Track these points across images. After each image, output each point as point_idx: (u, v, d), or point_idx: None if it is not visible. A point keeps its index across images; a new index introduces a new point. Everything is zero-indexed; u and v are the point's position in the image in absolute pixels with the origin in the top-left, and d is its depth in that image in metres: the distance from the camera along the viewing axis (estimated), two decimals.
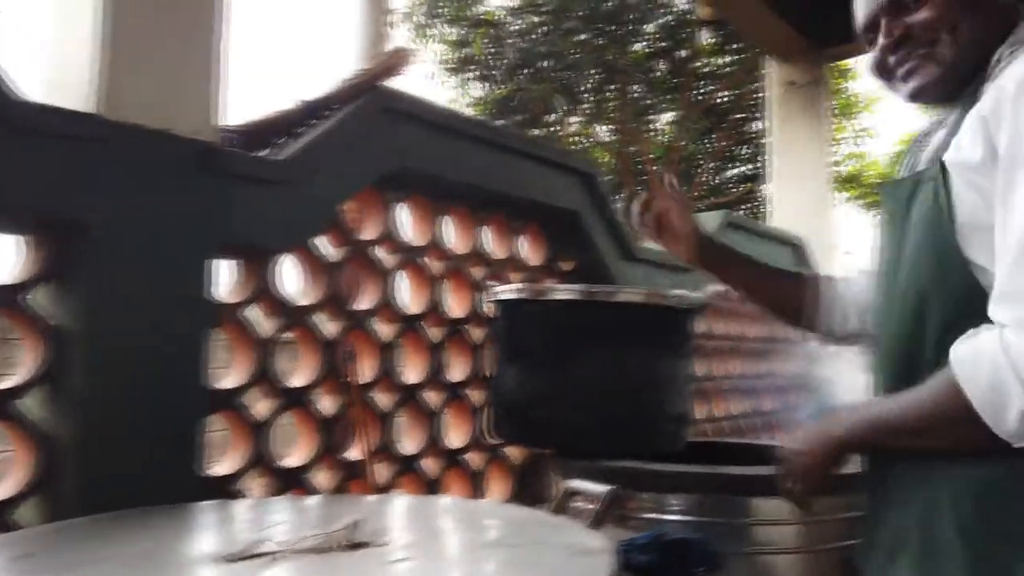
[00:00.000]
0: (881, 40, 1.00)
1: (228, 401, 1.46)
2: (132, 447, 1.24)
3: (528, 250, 2.20)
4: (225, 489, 1.42)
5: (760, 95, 6.27)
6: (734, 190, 10.69)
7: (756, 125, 9.82)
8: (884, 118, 14.46)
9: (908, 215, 0.95)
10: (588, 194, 2.24)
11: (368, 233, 1.76)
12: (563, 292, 1.67)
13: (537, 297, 1.69)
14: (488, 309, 1.96)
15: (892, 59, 1.00)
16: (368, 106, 1.68)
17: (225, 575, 0.81)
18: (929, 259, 0.91)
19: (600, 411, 1.62)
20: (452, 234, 1.98)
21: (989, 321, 0.84)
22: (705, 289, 1.66)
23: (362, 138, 1.66)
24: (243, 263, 1.52)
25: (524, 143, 2.14)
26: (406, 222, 1.87)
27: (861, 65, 10.57)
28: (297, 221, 1.55)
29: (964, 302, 0.87)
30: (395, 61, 1.73)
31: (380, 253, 1.78)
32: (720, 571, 1.13)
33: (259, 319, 1.55)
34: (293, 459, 1.58)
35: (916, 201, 0.94)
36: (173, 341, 1.31)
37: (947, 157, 0.90)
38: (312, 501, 1.35)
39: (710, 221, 2.97)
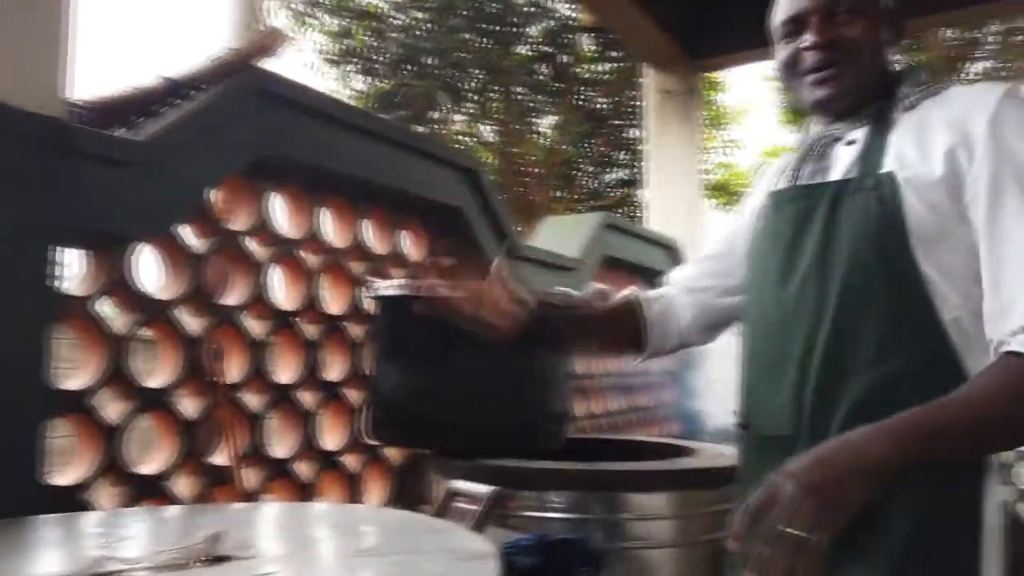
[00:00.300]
0: (808, 37, 1.02)
1: (76, 403, 1.33)
2: None
3: (410, 245, 2.14)
4: (71, 500, 1.29)
5: (638, 103, 6.47)
6: (613, 193, 10.98)
7: (634, 132, 10.13)
8: (750, 131, 15.41)
9: (833, 221, 0.97)
10: (471, 190, 2.21)
11: (238, 223, 1.65)
12: None
13: (419, 293, 1.64)
14: (368, 305, 1.90)
15: (811, 59, 1.03)
16: (240, 87, 1.58)
17: None
18: (875, 266, 0.92)
19: (482, 409, 1.59)
20: (330, 227, 1.90)
21: (926, 331, 0.88)
22: (587, 288, 1.67)
23: (232, 120, 1.56)
24: (94, 252, 1.39)
25: (406, 136, 2.08)
26: (280, 213, 1.77)
27: (731, 78, 11.19)
28: (157, 206, 1.43)
29: (905, 311, 0.90)
30: (268, 42, 1.63)
31: (251, 245, 1.68)
32: (602, 571, 1.12)
33: (113, 314, 1.42)
34: (150, 465, 1.46)
35: (844, 208, 0.96)
36: (8, 335, 1.17)
37: (895, 171, 0.93)
38: (171, 511, 1.24)
39: (591, 222, 3.02)
